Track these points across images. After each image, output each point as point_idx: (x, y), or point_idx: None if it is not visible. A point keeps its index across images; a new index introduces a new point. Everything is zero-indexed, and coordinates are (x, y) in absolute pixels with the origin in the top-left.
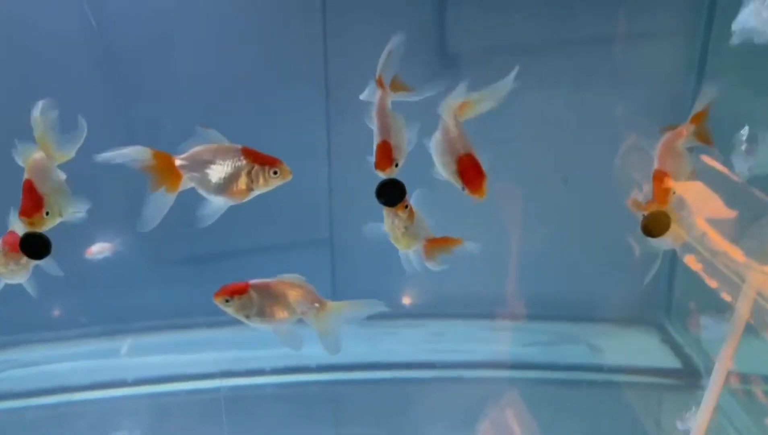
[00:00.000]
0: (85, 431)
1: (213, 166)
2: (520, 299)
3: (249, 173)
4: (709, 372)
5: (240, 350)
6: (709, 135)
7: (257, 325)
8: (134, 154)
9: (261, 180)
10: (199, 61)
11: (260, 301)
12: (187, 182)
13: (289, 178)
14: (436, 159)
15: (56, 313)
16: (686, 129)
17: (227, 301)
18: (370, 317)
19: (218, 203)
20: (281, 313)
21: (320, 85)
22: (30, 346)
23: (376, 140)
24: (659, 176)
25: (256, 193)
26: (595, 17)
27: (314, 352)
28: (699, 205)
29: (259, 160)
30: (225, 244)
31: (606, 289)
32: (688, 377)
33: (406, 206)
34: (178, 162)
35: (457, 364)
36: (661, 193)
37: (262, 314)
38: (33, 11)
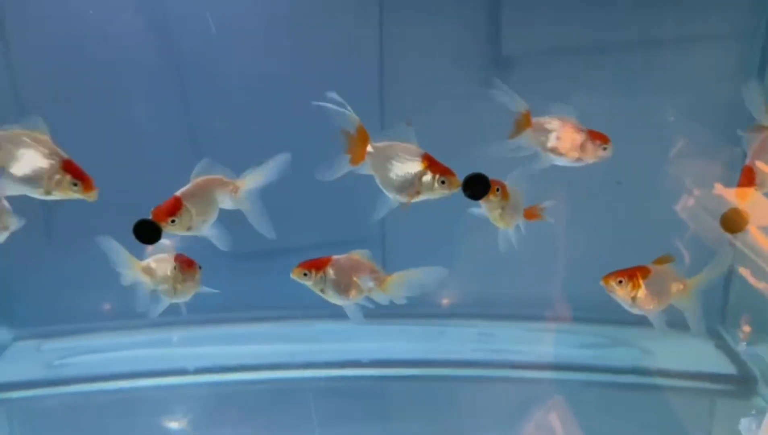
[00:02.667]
0: (146, 416)
1: (394, 163)
2: (570, 301)
3: (420, 178)
4: (765, 378)
5: (293, 344)
6: None
7: (331, 299)
8: (349, 117)
9: (429, 186)
10: (254, 61)
11: (335, 276)
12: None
13: (455, 189)
14: None
15: (120, 303)
16: None
17: (305, 274)
18: (421, 316)
19: (388, 198)
20: (351, 290)
21: (374, 86)
22: (96, 333)
23: None
24: (748, 172)
25: (422, 197)
26: (648, 20)
27: (365, 347)
28: (756, 212)
29: (434, 167)
30: (282, 241)
31: None
32: (743, 383)
33: (498, 189)
34: (369, 148)
35: (505, 364)
36: (746, 186)
37: (337, 289)
38: (96, 16)
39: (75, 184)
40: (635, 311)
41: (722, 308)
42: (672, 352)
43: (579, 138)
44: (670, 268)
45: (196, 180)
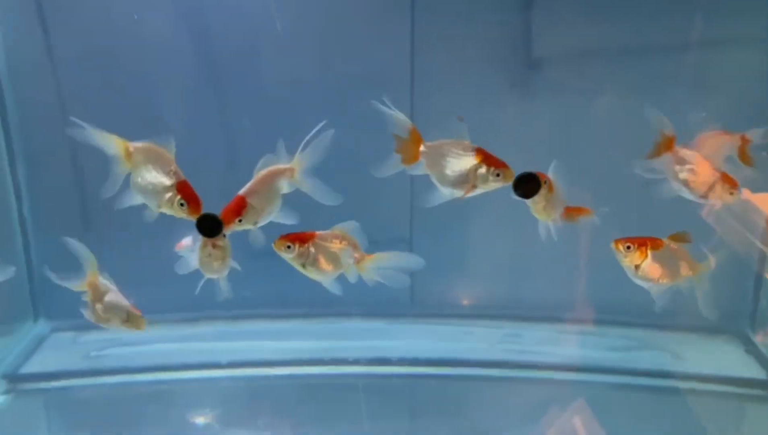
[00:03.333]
0: (179, 407)
1: (448, 160)
2: (599, 304)
3: (475, 171)
4: None
5: (324, 340)
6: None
7: (310, 275)
8: (400, 119)
9: (484, 179)
10: (286, 62)
11: (316, 251)
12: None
13: (510, 181)
14: None
15: (156, 297)
16: (734, 139)
17: (288, 247)
18: (449, 316)
19: (444, 193)
20: (329, 265)
21: (405, 88)
22: None
23: None
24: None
25: (479, 191)
26: (679, 23)
27: (394, 345)
28: None
29: (488, 160)
30: None
31: (689, 298)
32: None
33: (545, 182)
34: (423, 147)
35: (532, 365)
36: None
37: (315, 264)
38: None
39: (182, 205)
40: (638, 281)
41: (752, 313)
42: (701, 356)
43: (712, 177)
44: (684, 247)
45: (256, 176)
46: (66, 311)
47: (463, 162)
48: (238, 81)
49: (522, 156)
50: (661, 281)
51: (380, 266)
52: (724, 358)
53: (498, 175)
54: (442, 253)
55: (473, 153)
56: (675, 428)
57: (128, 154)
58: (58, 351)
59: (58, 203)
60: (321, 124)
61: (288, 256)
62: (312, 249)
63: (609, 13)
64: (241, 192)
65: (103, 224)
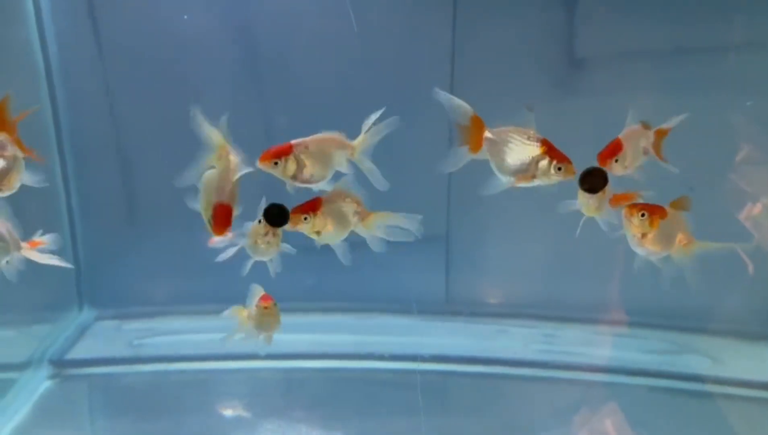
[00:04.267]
0: (219, 396)
1: (511, 147)
2: (637, 306)
3: (537, 163)
4: None
5: (360, 335)
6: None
7: (324, 240)
8: (462, 107)
9: (545, 171)
10: (328, 60)
11: (328, 216)
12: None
13: (571, 177)
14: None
15: (195, 288)
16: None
17: (305, 219)
18: (484, 314)
19: (502, 181)
20: (341, 227)
21: (445, 85)
22: (173, 316)
23: None
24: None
25: (537, 183)
26: (722, 23)
27: (428, 342)
28: None
29: (551, 152)
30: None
31: (731, 303)
32: None
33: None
34: (487, 133)
35: (568, 366)
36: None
37: (328, 228)
38: (181, 14)
39: (559, 169)
40: (639, 250)
41: None
42: (741, 361)
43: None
44: (683, 216)
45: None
46: (109, 301)
47: (526, 151)
48: (278, 77)
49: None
50: (661, 251)
51: (386, 223)
52: (765, 364)
53: (560, 169)
54: (478, 251)
55: (538, 143)
56: (712, 432)
57: (221, 155)
58: (101, 339)
59: (104, 196)
60: (382, 110)
61: (305, 228)
62: (326, 215)
63: (653, 13)
64: (293, 142)
65: (146, 217)
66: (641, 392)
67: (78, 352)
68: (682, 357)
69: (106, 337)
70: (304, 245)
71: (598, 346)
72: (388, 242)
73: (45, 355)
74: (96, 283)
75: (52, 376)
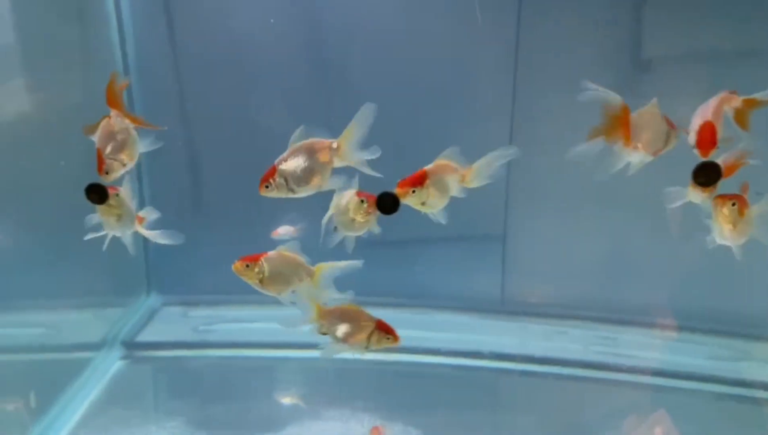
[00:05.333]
0: (284, 384)
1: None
2: (701, 311)
3: (669, 137)
4: None
5: (419, 330)
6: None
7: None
8: (611, 97)
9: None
10: (392, 56)
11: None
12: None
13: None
14: None
15: None
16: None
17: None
18: (543, 315)
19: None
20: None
21: (508, 84)
22: (238, 305)
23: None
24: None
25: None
26: None
27: (485, 340)
28: None
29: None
30: (403, 232)
31: None
32: None
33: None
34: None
35: (626, 369)
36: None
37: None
38: (253, 16)
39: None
40: (723, 241)
41: None
42: None
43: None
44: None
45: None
46: (176, 288)
47: (667, 135)
48: (344, 77)
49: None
50: (744, 239)
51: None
52: None
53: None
54: (535, 250)
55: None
56: None
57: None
58: (168, 323)
59: (174, 188)
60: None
61: (412, 200)
62: (430, 186)
63: (723, 13)
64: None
65: (212, 209)
66: (700, 397)
67: (147, 336)
68: (746, 364)
69: (173, 322)
70: (368, 241)
71: (657, 350)
72: (444, 239)
73: (117, 337)
74: (163, 270)
75: (124, 357)
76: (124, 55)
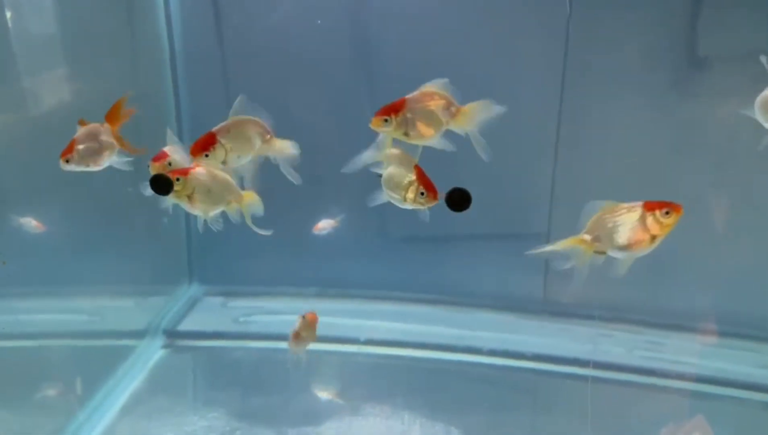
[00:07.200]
0: (324, 377)
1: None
2: (748, 318)
3: None
4: None
5: (458, 328)
6: None
7: (413, 141)
8: None
9: None
10: (437, 51)
11: (413, 116)
12: None
13: None
14: None
15: (299, 271)
16: None
17: (385, 120)
18: (586, 317)
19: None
20: (430, 126)
21: (556, 82)
22: (279, 297)
23: None
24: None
25: None
26: None
27: (529, 340)
28: None
29: None
30: (445, 228)
31: None
32: None
33: None
34: None
35: (672, 375)
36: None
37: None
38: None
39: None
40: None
41: None
42: None
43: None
44: None
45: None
46: (218, 278)
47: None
48: (389, 71)
49: (678, 160)
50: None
51: (478, 116)
52: None
53: None
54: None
55: None
56: None
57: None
58: (209, 313)
59: None
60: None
61: (387, 130)
62: (409, 114)
63: None
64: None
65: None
66: (747, 406)
67: (189, 325)
68: None
69: (213, 313)
70: (409, 235)
71: (703, 356)
72: (485, 236)
73: (160, 325)
74: (205, 260)
75: (166, 346)
76: (172, 46)
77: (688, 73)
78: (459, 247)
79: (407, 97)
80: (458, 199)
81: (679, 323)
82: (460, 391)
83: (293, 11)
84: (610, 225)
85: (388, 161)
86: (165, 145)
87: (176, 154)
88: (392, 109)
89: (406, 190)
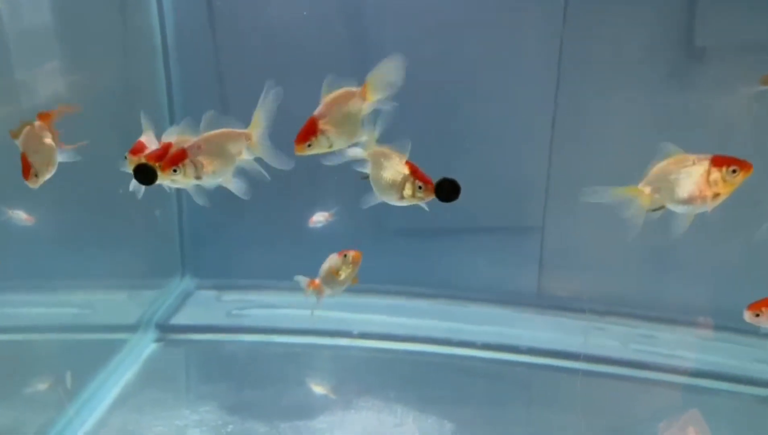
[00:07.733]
0: (317, 371)
1: None
2: (742, 311)
3: None
4: None
5: (451, 322)
6: None
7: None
8: None
9: None
10: (433, 46)
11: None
12: None
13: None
14: None
15: (296, 264)
16: None
17: (309, 145)
18: (580, 310)
19: None
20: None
21: (552, 75)
22: (272, 290)
23: None
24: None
25: None
26: None
27: (523, 333)
28: None
29: None
30: (439, 221)
31: None
32: None
33: None
34: None
35: (666, 369)
36: None
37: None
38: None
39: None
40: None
41: None
42: None
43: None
44: None
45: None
46: (211, 271)
47: None
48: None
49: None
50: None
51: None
52: None
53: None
54: (574, 244)
55: None
56: None
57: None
58: (202, 307)
59: None
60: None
61: (314, 152)
62: (325, 127)
63: None
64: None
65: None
66: (741, 400)
67: (181, 319)
68: None
69: (206, 306)
70: (404, 228)
71: (698, 349)
72: (481, 230)
73: (152, 319)
74: (198, 254)
75: (158, 340)
76: (164, 38)
77: (685, 65)
78: (453, 240)
79: (315, 114)
80: (448, 189)
81: (674, 317)
82: (454, 384)
83: (286, 3)
84: (673, 176)
85: (375, 159)
86: (155, 136)
87: (152, 144)
88: (309, 133)
89: (402, 187)
